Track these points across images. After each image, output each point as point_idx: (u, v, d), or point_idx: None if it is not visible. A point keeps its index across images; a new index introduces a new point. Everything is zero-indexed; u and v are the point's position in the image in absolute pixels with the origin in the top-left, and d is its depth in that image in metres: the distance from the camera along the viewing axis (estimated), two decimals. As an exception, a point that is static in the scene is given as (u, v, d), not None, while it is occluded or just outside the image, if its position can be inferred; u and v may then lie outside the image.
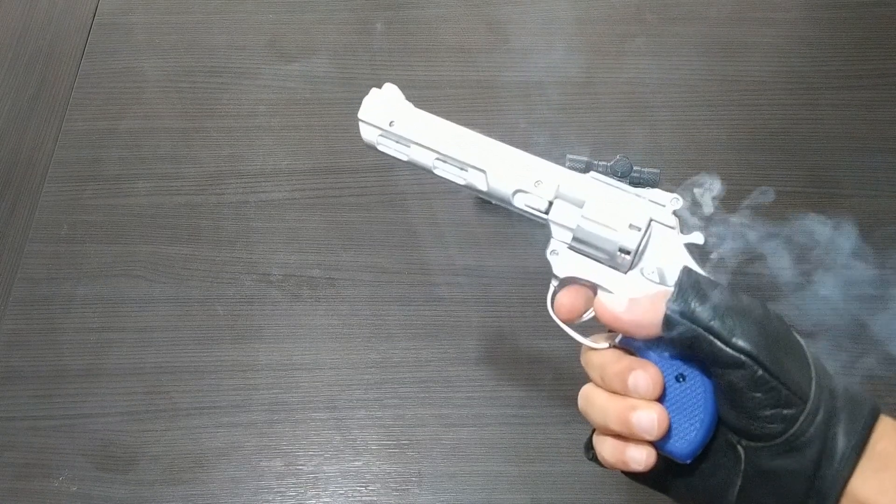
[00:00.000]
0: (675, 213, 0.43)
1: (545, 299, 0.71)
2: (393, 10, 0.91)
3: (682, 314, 0.38)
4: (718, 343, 0.37)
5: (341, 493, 0.63)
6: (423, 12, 0.90)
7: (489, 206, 0.76)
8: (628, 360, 0.40)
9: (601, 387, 0.41)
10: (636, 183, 0.78)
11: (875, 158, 0.79)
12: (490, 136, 0.46)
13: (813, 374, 0.37)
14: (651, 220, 0.42)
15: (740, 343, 0.36)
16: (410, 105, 0.46)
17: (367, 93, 0.47)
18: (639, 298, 0.40)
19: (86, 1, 0.93)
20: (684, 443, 0.38)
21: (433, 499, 0.63)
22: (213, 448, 0.65)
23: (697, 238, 0.42)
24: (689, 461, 0.39)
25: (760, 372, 0.36)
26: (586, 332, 0.43)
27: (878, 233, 0.74)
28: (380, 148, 0.47)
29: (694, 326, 0.37)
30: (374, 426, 0.66)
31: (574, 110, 0.83)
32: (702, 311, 0.37)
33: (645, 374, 0.39)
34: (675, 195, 0.43)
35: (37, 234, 0.76)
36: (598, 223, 0.43)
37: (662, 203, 0.43)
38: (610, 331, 0.42)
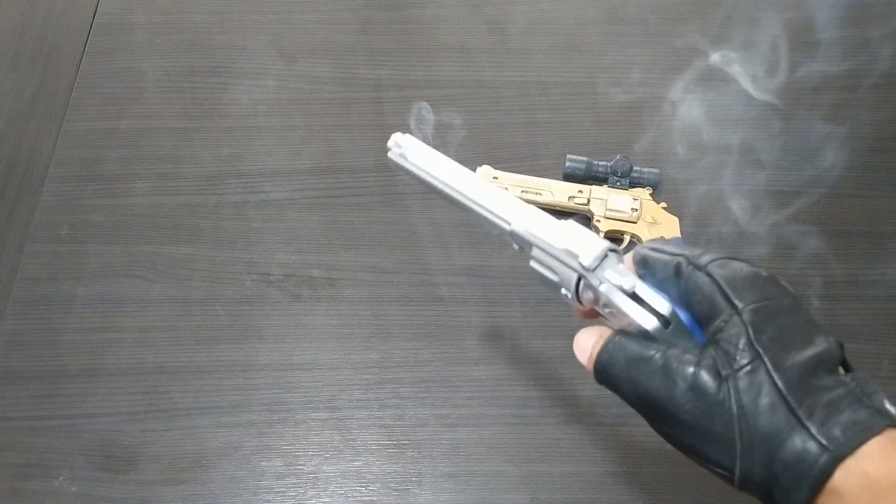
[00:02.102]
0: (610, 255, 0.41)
1: (545, 299, 0.71)
2: (393, 10, 0.91)
3: (608, 386, 0.40)
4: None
5: (341, 493, 0.63)
6: (423, 12, 0.90)
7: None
8: None
9: None
10: (636, 183, 0.78)
11: (875, 158, 0.79)
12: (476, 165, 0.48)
13: (743, 446, 0.34)
14: (579, 278, 0.41)
15: (653, 426, 0.38)
16: (419, 150, 0.48)
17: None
18: (593, 347, 0.41)
19: (86, 1, 0.93)
20: None
21: (433, 499, 0.63)
22: (213, 448, 0.65)
23: (629, 283, 0.39)
24: None
25: (683, 451, 0.37)
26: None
27: (877, 233, 0.75)
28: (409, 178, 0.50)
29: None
30: (374, 426, 0.66)
31: (574, 110, 0.83)
32: (620, 393, 0.38)
33: None
34: (599, 249, 0.41)
35: (37, 234, 0.76)
36: (540, 276, 0.44)
37: (585, 265, 0.41)
38: None
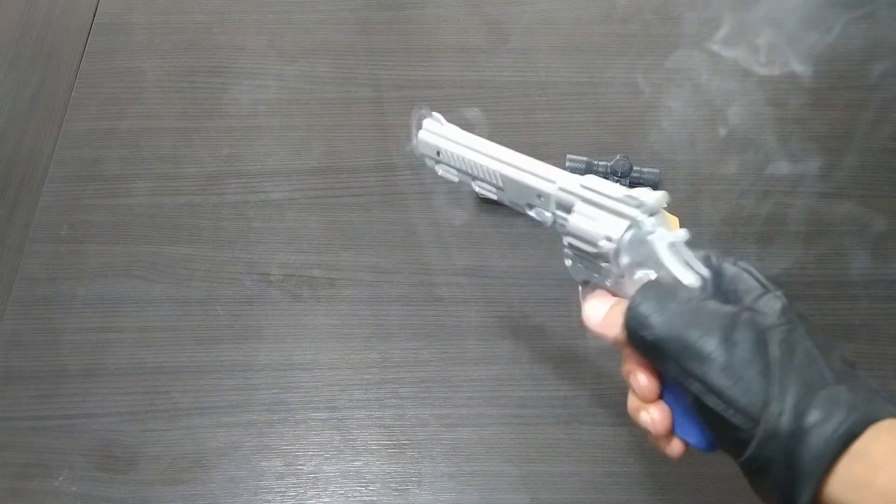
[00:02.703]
0: (654, 215, 0.42)
1: (545, 299, 0.71)
2: (393, 10, 0.91)
3: (634, 334, 0.39)
4: (668, 364, 0.38)
5: (341, 493, 0.63)
6: (423, 12, 0.90)
7: (489, 205, 0.76)
8: (634, 361, 0.42)
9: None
10: (636, 183, 0.78)
11: (876, 158, 0.79)
12: (510, 145, 0.49)
13: (774, 394, 0.34)
14: (629, 226, 0.41)
15: (684, 366, 0.37)
16: (456, 130, 0.51)
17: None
18: (610, 310, 0.42)
19: (86, 1, 0.93)
20: (696, 438, 0.40)
21: (433, 499, 0.63)
22: (213, 448, 0.65)
23: (681, 236, 0.41)
24: (710, 452, 0.40)
25: (709, 397, 0.36)
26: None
27: (878, 233, 0.75)
28: (438, 172, 0.52)
29: (645, 347, 0.39)
30: (374, 426, 0.66)
31: (574, 110, 0.83)
32: (654, 330, 0.38)
33: (635, 379, 0.41)
34: (660, 195, 0.42)
35: (37, 234, 0.76)
36: (578, 235, 0.44)
37: (646, 206, 0.41)
38: None
